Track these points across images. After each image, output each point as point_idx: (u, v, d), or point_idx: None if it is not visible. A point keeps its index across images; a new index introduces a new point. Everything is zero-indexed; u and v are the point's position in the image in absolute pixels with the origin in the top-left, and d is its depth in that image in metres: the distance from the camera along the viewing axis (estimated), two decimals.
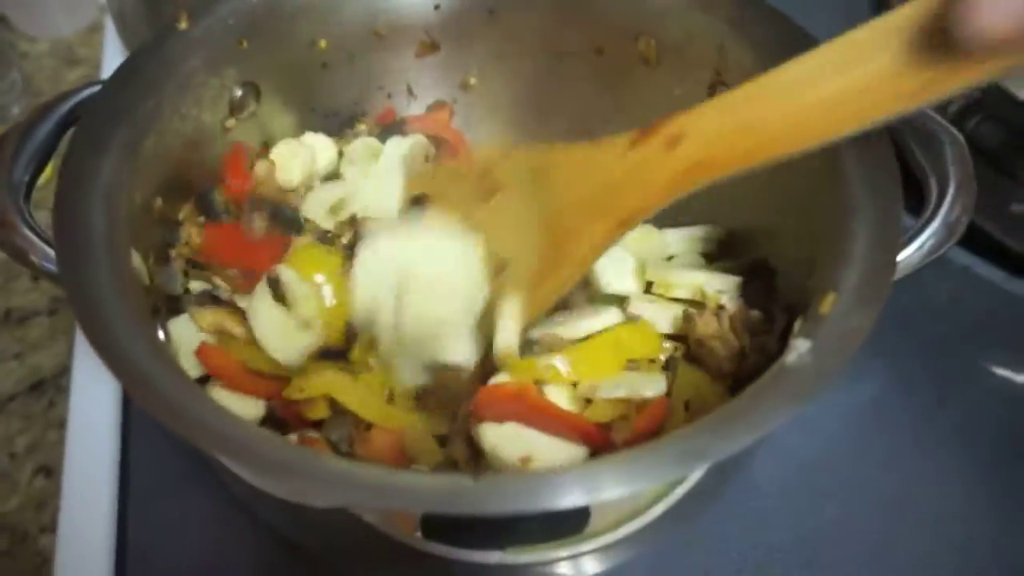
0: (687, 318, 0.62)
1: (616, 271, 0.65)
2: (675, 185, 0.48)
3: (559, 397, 0.56)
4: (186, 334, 0.60)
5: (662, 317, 0.63)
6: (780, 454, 0.73)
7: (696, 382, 0.59)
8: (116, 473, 0.72)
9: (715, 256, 0.74)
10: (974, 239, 0.83)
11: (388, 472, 0.41)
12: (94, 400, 0.76)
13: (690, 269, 0.69)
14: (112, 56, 1.08)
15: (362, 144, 0.76)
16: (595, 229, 0.51)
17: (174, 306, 0.62)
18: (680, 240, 0.73)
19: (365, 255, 0.59)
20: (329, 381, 0.57)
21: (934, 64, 0.38)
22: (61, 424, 0.76)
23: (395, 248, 0.58)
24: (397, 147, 0.75)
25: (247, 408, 0.60)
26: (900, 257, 0.52)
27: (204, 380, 0.61)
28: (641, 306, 0.63)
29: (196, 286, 0.63)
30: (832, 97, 0.42)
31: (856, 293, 0.48)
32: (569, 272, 0.53)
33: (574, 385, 0.57)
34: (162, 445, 0.73)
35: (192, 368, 0.60)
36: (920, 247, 0.53)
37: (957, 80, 0.38)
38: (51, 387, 0.83)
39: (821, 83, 0.42)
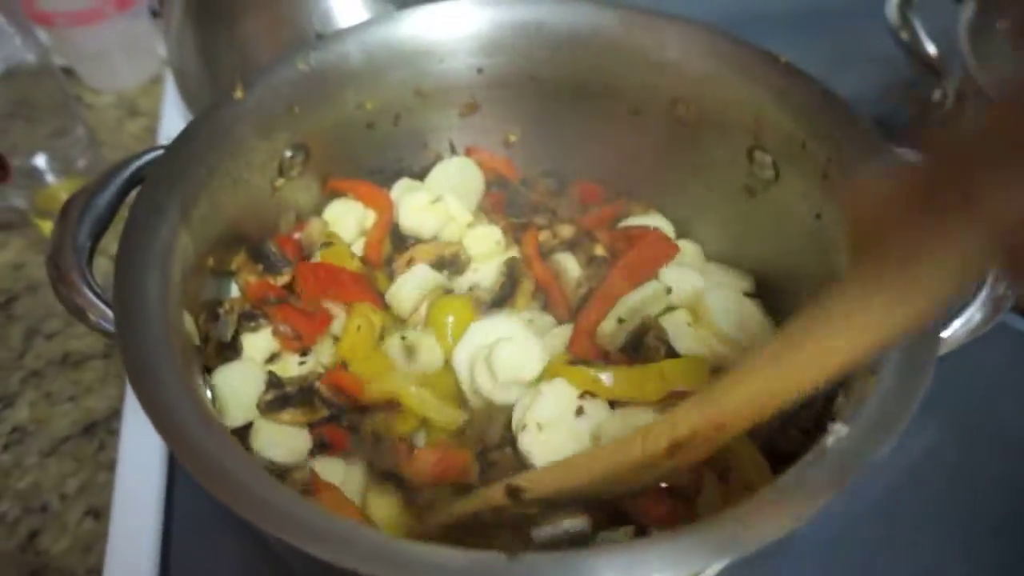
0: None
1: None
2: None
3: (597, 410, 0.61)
4: (235, 383, 0.63)
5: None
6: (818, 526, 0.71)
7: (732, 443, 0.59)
8: (162, 516, 0.74)
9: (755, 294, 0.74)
10: None
11: (427, 549, 0.42)
12: (143, 444, 0.79)
13: (750, 326, 0.69)
14: (171, 108, 1.13)
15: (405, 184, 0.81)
16: None
17: (226, 353, 0.65)
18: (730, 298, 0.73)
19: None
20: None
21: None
22: (110, 466, 0.79)
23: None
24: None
25: (296, 441, 0.62)
26: (944, 334, 0.52)
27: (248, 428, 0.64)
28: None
29: (251, 341, 0.66)
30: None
31: (897, 375, 0.47)
32: None
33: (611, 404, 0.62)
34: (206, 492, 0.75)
35: (240, 415, 0.62)
36: (965, 323, 0.53)
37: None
38: (102, 429, 0.86)
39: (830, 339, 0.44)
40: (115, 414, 0.86)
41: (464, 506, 0.59)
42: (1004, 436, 0.79)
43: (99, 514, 0.79)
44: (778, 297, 0.72)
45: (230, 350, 0.64)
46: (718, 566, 0.51)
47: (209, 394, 0.61)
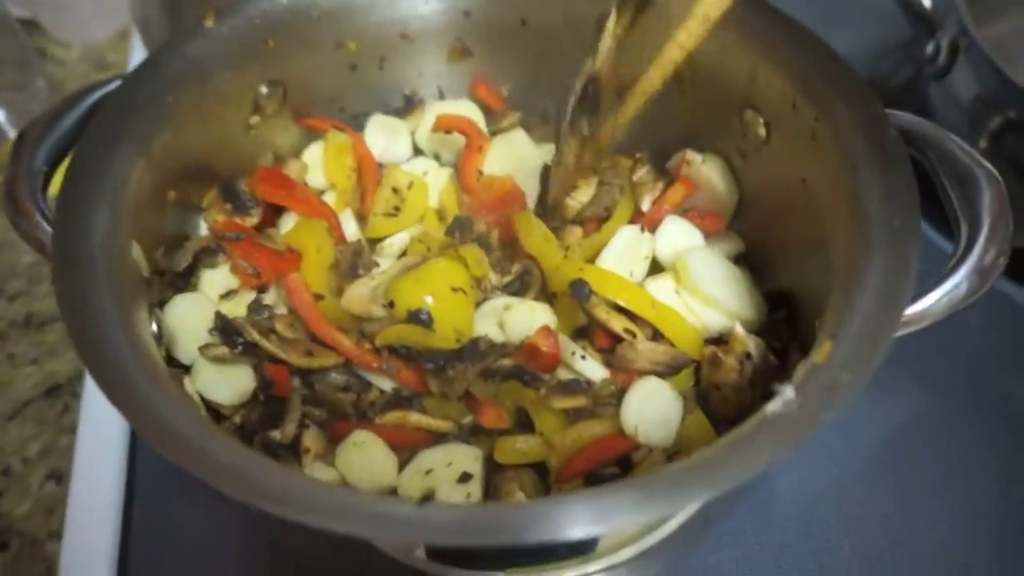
0: (714, 360, 0.60)
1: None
2: None
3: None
4: (186, 315, 0.60)
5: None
6: (801, 487, 0.71)
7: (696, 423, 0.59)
8: (123, 480, 0.71)
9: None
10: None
11: (396, 502, 0.39)
12: (105, 408, 0.73)
13: (728, 285, 0.66)
14: (139, 61, 1.08)
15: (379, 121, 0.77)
16: None
17: (178, 284, 0.62)
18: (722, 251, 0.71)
19: None
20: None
21: None
22: (73, 429, 0.75)
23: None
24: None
25: (237, 387, 0.60)
26: (926, 304, 0.49)
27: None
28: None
29: (209, 277, 0.63)
30: None
31: (854, 346, 0.45)
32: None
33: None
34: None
35: (191, 349, 0.60)
36: (948, 293, 0.49)
37: None
38: (66, 392, 0.82)
39: None
40: (78, 377, 0.82)
41: None
42: (989, 401, 0.76)
43: (61, 477, 0.75)
44: (767, 262, 0.70)
45: (183, 282, 0.61)
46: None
47: (156, 328, 0.58)
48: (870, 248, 0.50)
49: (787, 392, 0.43)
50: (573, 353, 0.62)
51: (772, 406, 0.42)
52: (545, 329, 0.62)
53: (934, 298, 0.49)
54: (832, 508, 0.70)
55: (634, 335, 0.62)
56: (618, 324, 0.62)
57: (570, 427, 0.59)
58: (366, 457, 0.58)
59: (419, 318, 0.60)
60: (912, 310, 0.48)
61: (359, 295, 0.64)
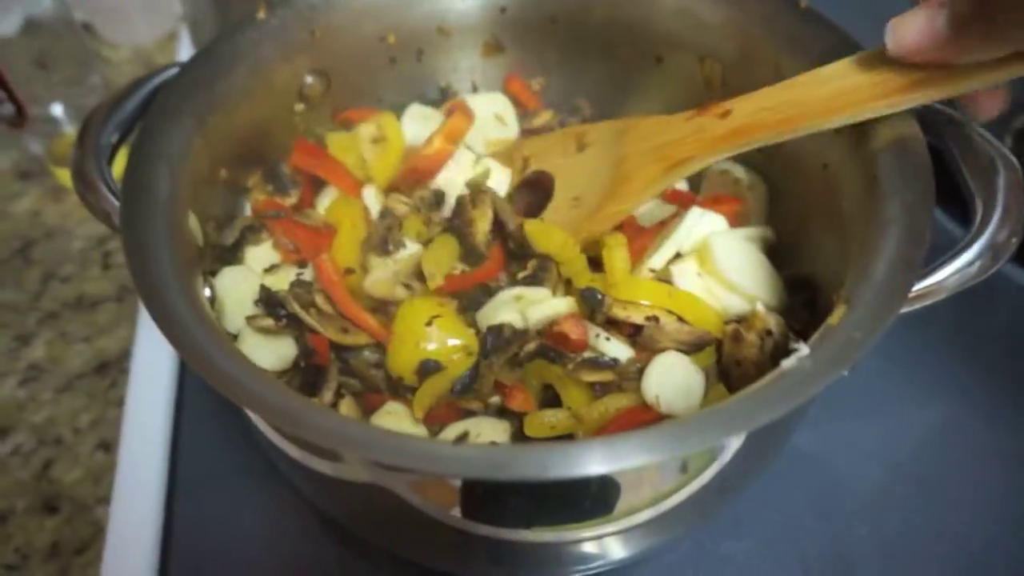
0: (735, 336, 0.62)
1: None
2: (722, 143, 0.61)
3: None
4: (233, 286, 0.63)
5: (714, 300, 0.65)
6: (818, 469, 0.73)
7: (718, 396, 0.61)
8: (168, 450, 0.75)
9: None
10: None
11: (433, 442, 0.41)
12: (152, 382, 0.80)
13: (750, 270, 0.68)
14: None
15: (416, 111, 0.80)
16: (651, 170, 0.66)
17: (226, 258, 0.65)
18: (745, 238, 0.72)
19: None
20: None
21: (899, 78, 0.54)
22: (121, 403, 0.79)
23: None
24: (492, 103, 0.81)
25: (280, 353, 0.63)
26: (938, 277, 0.51)
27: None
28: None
29: (253, 253, 0.66)
30: (835, 93, 0.57)
31: (866, 308, 0.46)
32: (627, 203, 0.67)
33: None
34: (211, 424, 0.76)
35: (237, 318, 0.63)
36: (960, 269, 0.51)
37: (924, 91, 0.53)
38: (114, 368, 0.86)
39: (829, 84, 0.58)
40: (126, 354, 0.86)
41: None
42: (1006, 386, 0.78)
43: (109, 447, 0.79)
44: (788, 248, 0.72)
45: (230, 255, 0.65)
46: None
47: (208, 293, 0.61)
48: (886, 223, 0.52)
49: (802, 349, 0.45)
50: (598, 335, 0.64)
51: (787, 362, 0.44)
52: (573, 316, 0.64)
53: (946, 272, 0.50)
54: (849, 491, 0.71)
55: (657, 320, 0.64)
56: (639, 316, 0.63)
57: (597, 401, 0.61)
58: (399, 425, 0.61)
59: (429, 368, 0.61)
60: (925, 283, 0.50)
61: (383, 278, 0.67)
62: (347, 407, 0.64)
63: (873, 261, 0.51)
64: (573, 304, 0.65)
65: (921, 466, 0.73)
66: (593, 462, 0.39)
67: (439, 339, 0.62)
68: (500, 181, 0.75)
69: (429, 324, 0.62)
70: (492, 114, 0.80)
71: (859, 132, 0.59)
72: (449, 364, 0.62)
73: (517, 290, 0.67)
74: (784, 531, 0.69)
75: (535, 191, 0.74)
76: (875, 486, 0.72)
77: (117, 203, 0.53)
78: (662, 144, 0.65)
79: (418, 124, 0.79)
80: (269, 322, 0.63)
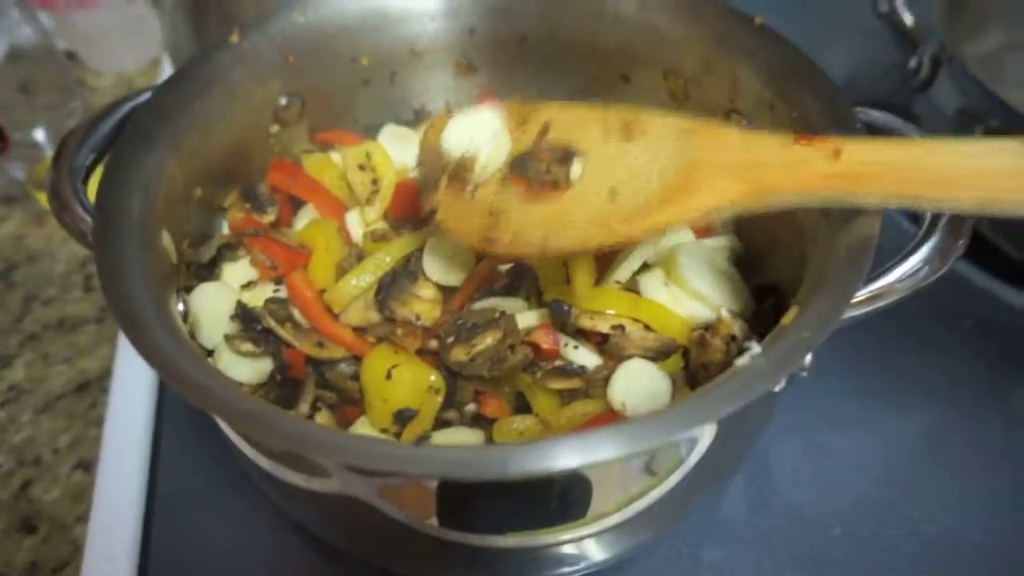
0: (701, 341, 0.63)
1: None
2: (825, 184, 0.52)
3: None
4: (209, 302, 0.64)
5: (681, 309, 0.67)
6: (792, 473, 0.74)
7: None
8: (147, 468, 0.75)
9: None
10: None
11: (400, 446, 0.42)
12: (131, 401, 0.80)
13: (716, 280, 0.70)
14: None
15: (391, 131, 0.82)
16: (727, 187, 0.56)
17: (202, 274, 0.67)
18: (711, 249, 0.74)
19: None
20: None
21: None
22: (100, 423, 0.79)
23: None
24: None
25: (256, 368, 0.64)
26: (888, 280, 0.53)
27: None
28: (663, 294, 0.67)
29: (231, 269, 0.68)
30: (975, 174, 0.48)
31: (816, 309, 0.48)
32: (684, 216, 0.58)
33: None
34: (190, 442, 0.77)
35: (214, 334, 0.64)
36: (910, 272, 0.53)
37: None
38: (95, 388, 0.87)
39: (970, 161, 0.48)
40: (107, 374, 0.87)
41: None
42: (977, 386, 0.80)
43: (89, 466, 0.80)
44: (754, 257, 0.74)
45: (207, 272, 0.66)
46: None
47: (182, 308, 0.63)
48: (835, 230, 0.54)
49: (754, 348, 0.46)
50: (566, 344, 0.65)
51: (741, 360, 0.46)
52: (545, 327, 0.66)
53: (897, 274, 0.52)
54: (823, 493, 0.72)
55: (623, 328, 0.65)
56: (604, 325, 0.65)
57: (564, 407, 0.62)
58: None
59: (404, 417, 0.62)
60: (875, 286, 0.52)
61: (355, 309, 0.68)
62: (323, 420, 0.65)
63: (825, 266, 0.53)
64: (545, 315, 0.67)
65: (895, 470, 0.75)
66: (550, 458, 0.40)
67: (403, 388, 0.63)
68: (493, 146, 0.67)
69: (388, 377, 0.63)
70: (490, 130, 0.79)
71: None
72: (422, 407, 0.63)
73: (493, 300, 0.68)
74: (760, 536, 0.71)
75: (547, 167, 0.62)
76: (850, 490, 0.73)
77: (89, 219, 0.55)
78: (748, 163, 0.55)
79: (394, 144, 0.81)
80: (249, 346, 0.64)
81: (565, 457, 0.40)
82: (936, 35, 0.92)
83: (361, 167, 0.77)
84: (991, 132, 0.89)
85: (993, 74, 0.89)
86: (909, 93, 0.98)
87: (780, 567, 0.68)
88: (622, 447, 0.41)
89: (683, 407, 0.43)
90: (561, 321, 0.65)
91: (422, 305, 0.67)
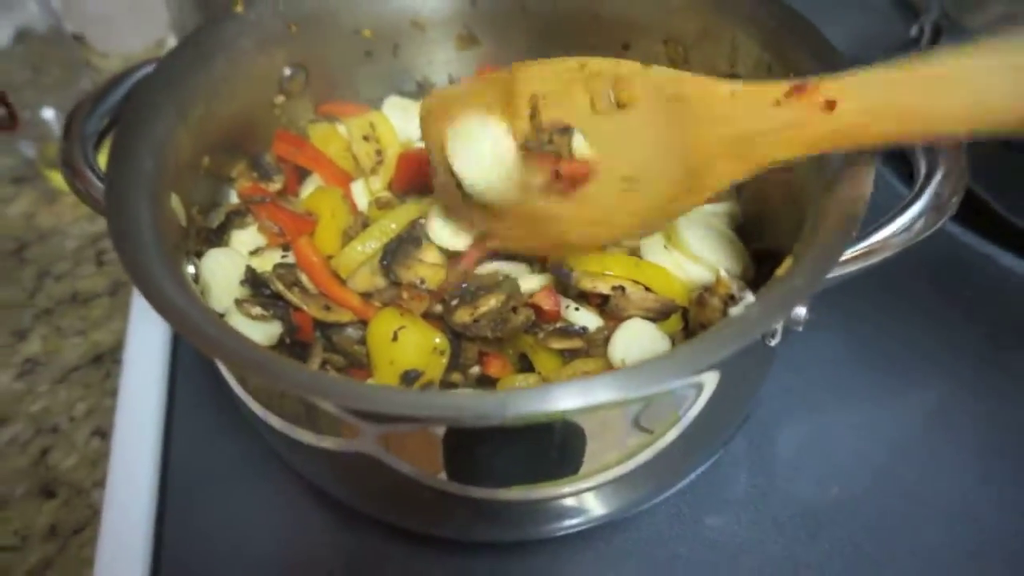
0: (700, 300, 0.64)
1: None
2: (822, 143, 0.50)
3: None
4: (219, 267, 0.65)
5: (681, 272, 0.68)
6: (792, 436, 0.75)
7: None
8: (160, 435, 0.77)
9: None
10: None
11: (406, 392, 0.43)
12: (144, 371, 0.82)
13: (716, 244, 0.70)
14: None
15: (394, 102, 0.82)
16: (726, 169, 0.54)
17: (211, 240, 0.68)
18: (712, 214, 0.75)
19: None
20: None
21: None
22: (115, 393, 0.81)
23: None
24: None
25: (267, 330, 0.64)
26: (883, 235, 0.53)
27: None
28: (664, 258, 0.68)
29: (239, 236, 0.69)
30: (976, 101, 0.45)
31: (809, 259, 0.49)
32: (700, 200, 0.57)
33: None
34: (202, 410, 0.78)
35: (224, 297, 0.65)
36: (905, 226, 0.54)
37: None
38: (109, 360, 0.89)
39: (965, 84, 0.45)
40: (120, 346, 0.88)
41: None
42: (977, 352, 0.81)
43: (105, 434, 0.81)
44: (753, 222, 0.74)
45: (216, 238, 0.67)
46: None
47: (193, 270, 0.64)
48: (832, 184, 0.54)
49: (748, 297, 0.48)
50: (568, 306, 0.67)
51: (735, 310, 0.47)
52: (547, 289, 0.67)
53: (891, 229, 0.53)
54: (821, 453, 0.74)
55: (623, 289, 0.66)
56: (605, 286, 0.66)
57: (566, 366, 0.64)
58: None
59: (411, 378, 0.63)
60: (870, 240, 0.53)
61: (361, 274, 0.69)
62: None
63: (820, 219, 0.53)
64: (547, 278, 0.68)
65: (894, 433, 0.75)
66: (548, 401, 0.41)
67: (409, 349, 0.64)
68: (499, 147, 0.63)
69: (395, 339, 0.64)
70: None
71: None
72: (427, 368, 0.64)
73: (496, 264, 0.69)
74: (760, 496, 0.72)
75: (550, 138, 0.59)
76: (849, 452, 0.74)
77: (101, 185, 0.56)
78: (742, 135, 0.52)
79: (398, 115, 0.81)
80: (258, 310, 0.65)
81: (564, 400, 0.41)
82: (938, 5, 0.92)
83: (366, 138, 0.78)
84: None
85: None
86: None
87: (781, 528, 0.69)
88: (620, 391, 0.42)
89: (679, 352, 0.44)
90: (563, 284, 0.66)
91: (427, 269, 0.68)
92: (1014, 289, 0.86)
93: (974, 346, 0.80)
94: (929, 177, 0.55)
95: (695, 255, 0.69)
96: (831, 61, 0.62)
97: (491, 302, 0.64)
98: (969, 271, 0.87)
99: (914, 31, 0.96)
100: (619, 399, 0.41)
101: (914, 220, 0.54)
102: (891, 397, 0.78)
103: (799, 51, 0.65)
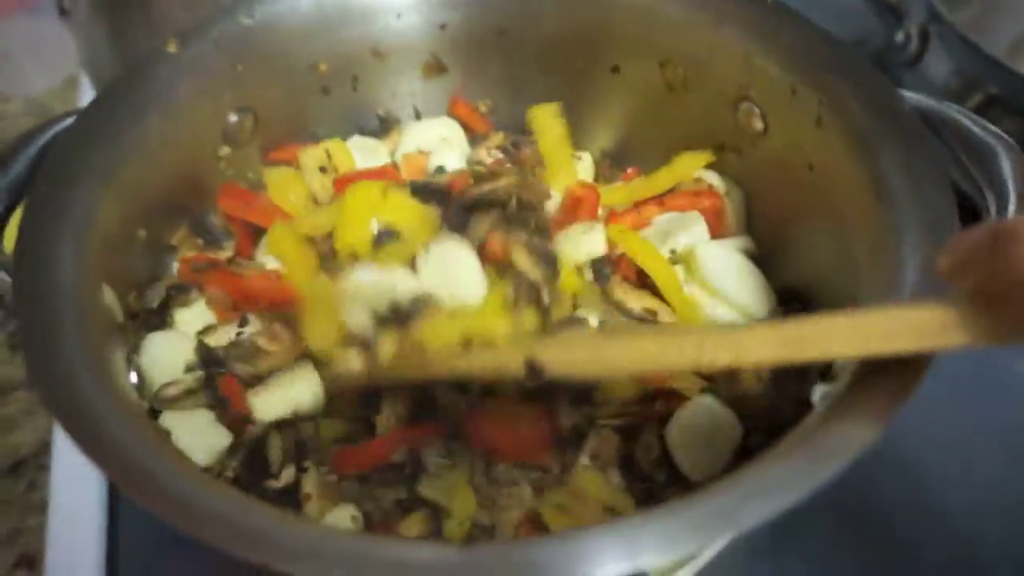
0: (731, 376, 0.59)
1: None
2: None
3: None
4: (161, 354, 0.57)
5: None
6: None
7: None
8: (103, 562, 0.66)
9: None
10: None
11: (376, 542, 0.38)
12: (78, 480, 0.70)
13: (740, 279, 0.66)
14: None
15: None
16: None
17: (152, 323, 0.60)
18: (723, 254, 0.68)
19: None
20: None
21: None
22: (43, 508, 0.69)
23: None
24: None
25: (216, 439, 0.57)
26: None
27: None
28: None
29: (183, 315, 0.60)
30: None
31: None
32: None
33: None
34: (153, 528, 0.65)
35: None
36: None
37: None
38: (31, 467, 0.76)
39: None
40: (44, 448, 0.75)
41: (470, 362, 0.53)
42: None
43: (32, 562, 0.68)
44: (777, 256, 0.69)
45: (157, 320, 0.59)
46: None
47: (136, 378, 0.55)
48: (901, 226, 0.49)
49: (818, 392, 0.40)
50: None
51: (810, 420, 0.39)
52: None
53: None
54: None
55: (655, 314, 0.61)
56: (637, 303, 0.61)
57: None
58: None
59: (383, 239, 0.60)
60: None
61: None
62: (311, 483, 0.56)
63: (897, 271, 0.47)
64: None
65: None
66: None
67: (394, 208, 0.63)
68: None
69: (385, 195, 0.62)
70: (438, 138, 0.75)
71: (848, 128, 0.57)
72: (409, 235, 0.60)
73: None
74: None
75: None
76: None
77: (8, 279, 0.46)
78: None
79: (364, 157, 0.73)
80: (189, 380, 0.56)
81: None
82: (923, 5, 0.90)
83: (322, 169, 0.70)
84: (990, 100, 0.87)
85: (984, 40, 0.86)
86: (896, 70, 0.95)
87: None
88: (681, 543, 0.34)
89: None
90: (600, 280, 0.63)
91: None
92: None
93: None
94: (1002, 207, 0.50)
95: (716, 290, 0.64)
96: (867, 80, 0.58)
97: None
98: None
99: (900, 37, 0.93)
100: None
101: None
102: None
103: (828, 72, 0.60)
